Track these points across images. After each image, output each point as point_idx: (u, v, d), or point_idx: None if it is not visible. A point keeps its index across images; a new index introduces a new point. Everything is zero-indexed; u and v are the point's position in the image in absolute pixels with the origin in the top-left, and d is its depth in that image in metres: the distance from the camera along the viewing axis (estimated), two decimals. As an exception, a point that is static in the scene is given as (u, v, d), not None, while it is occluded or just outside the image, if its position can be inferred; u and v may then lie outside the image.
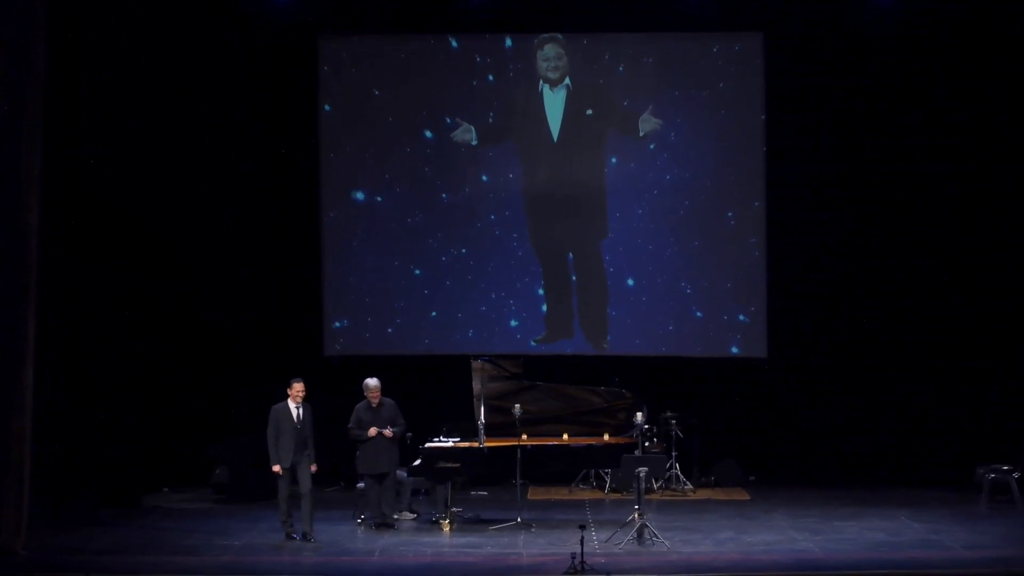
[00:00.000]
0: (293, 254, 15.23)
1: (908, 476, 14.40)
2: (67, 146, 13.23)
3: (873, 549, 11.24)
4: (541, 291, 15.08)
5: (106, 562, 10.79)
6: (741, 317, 14.85)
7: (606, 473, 14.15)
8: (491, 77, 15.02)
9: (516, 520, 12.26)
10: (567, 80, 15.01)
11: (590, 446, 12.55)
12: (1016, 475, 13.00)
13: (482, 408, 12.39)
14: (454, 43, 15.04)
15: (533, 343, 15.02)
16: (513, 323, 15.06)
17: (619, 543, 11.31)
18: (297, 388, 11.74)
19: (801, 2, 14.65)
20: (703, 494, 14.10)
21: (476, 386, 12.49)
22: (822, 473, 14.66)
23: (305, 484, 11.63)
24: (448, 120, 14.99)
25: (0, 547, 10.85)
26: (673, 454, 14.11)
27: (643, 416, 12.42)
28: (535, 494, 14.11)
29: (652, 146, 14.90)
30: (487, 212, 15.09)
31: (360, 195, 15.12)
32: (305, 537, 11.61)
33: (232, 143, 14.87)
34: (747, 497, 13.99)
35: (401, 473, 12.65)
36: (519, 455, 12.23)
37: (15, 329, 10.98)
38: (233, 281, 14.98)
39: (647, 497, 12.15)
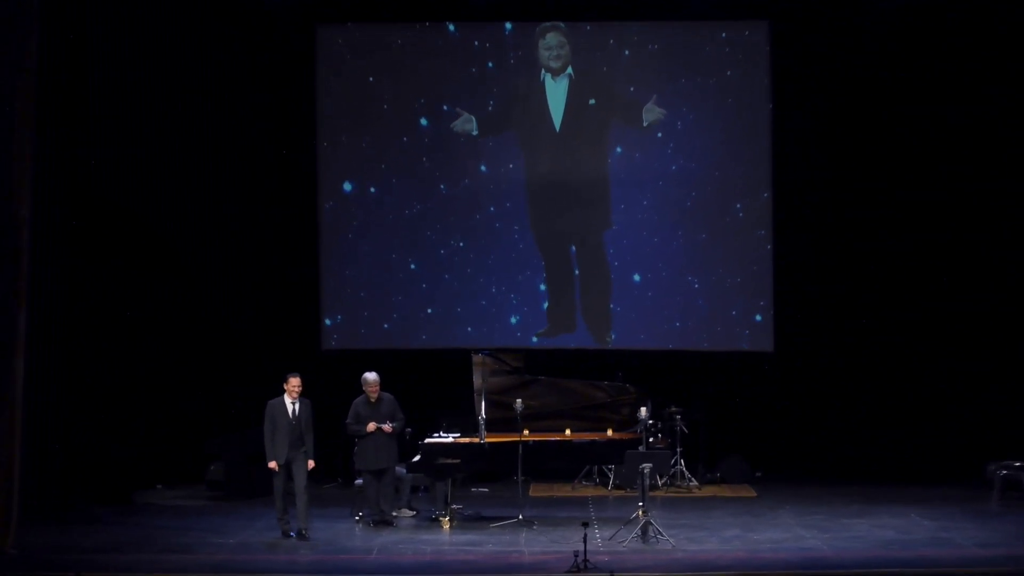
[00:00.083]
0: (290, 247, 15.20)
1: (918, 472, 14.37)
2: (69, 146, 13.22)
3: (883, 547, 11.20)
4: (543, 286, 15.02)
5: (98, 561, 10.74)
6: (748, 311, 14.79)
7: (609, 469, 14.11)
8: (491, 64, 14.95)
9: (518, 517, 12.22)
10: (569, 69, 14.96)
11: (593, 442, 12.51)
12: (1028, 471, 12.98)
13: (483, 403, 12.35)
14: (451, 27, 14.95)
15: (535, 337, 14.97)
16: (514, 318, 14.99)
17: (623, 541, 11.27)
18: (293, 383, 11.68)
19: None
20: (709, 491, 14.07)
21: (477, 380, 12.44)
22: (830, 469, 14.63)
23: (300, 481, 11.58)
24: (445, 108, 14.92)
25: (-10, 545, 10.81)
26: (678, 450, 14.07)
27: (647, 411, 12.38)
28: (537, 491, 14.08)
29: (660, 134, 14.83)
30: (487, 204, 15.04)
31: (357, 187, 15.06)
32: (301, 535, 11.56)
33: (229, 134, 14.84)
34: (754, 494, 13.94)
35: (400, 469, 12.61)
36: (521, 451, 12.17)
37: (5, 322, 10.95)
38: (229, 275, 14.95)
39: (651, 494, 12.10)
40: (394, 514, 12.37)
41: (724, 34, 14.81)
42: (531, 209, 15.03)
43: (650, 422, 12.73)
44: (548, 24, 14.93)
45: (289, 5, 14.77)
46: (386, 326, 15.04)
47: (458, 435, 12.51)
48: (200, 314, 14.78)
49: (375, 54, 14.94)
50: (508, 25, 14.98)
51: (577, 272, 15.05)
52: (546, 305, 15.06)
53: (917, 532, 11.82)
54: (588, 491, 14.12)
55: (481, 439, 12.24)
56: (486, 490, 14.05)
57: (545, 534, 11.76)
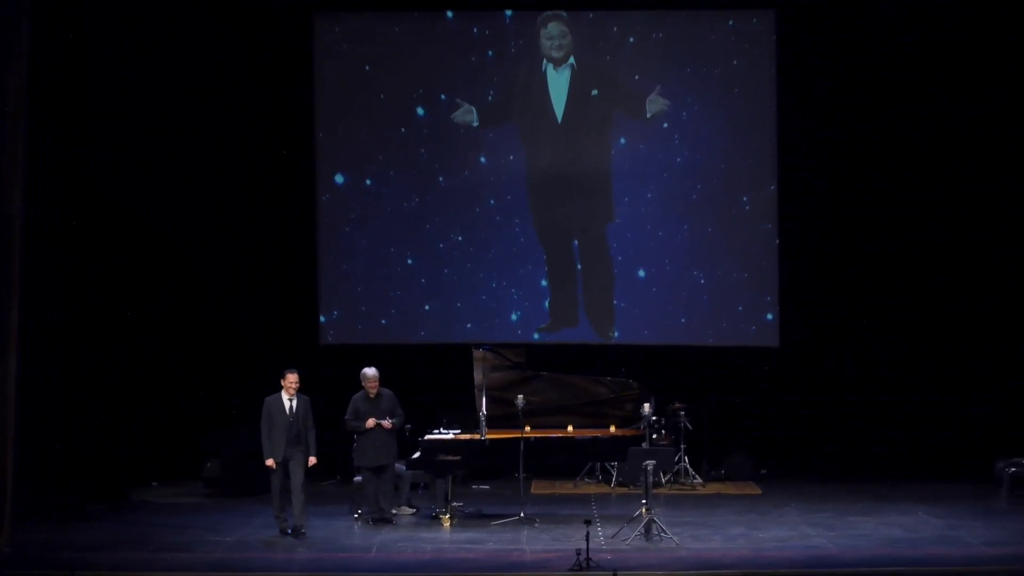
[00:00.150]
0: (287, 241, 15.19)
1: (926, 470, 14.38)
2: (70, 146, 13.26)
3: (889, 545, 11.20)
4: (545, 281, 14.98)
5: (92, 559, 10.75)
6: (755, 306, 14.76)
7: (612, 466, 14.12)
8: (491, 53, 14.92)
9: (519, 515, 12.23)
10: (571, 59, 14.94)
11: (596, 438, 12.52)
12: (1037, 468, 13.00)
13: (484, 399, 12.35)
14: (450, 15, 14.90)
15: (537, 332, 14.95)
16: (515, 314, 14.97)
17: (626, 539, 11.28)
18: (291, 379, 11.68)
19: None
20: (713, 488, 14.08)
21: (478, 376, 12.45)
22: (836, 467, 14.65)
23: (296, 479, 11.58)
24: (443, 97, 14.89)
25: (-18, 543, 10.82)
26: (682, 447, 14.07)
27: (651, 407, 12.38)
28: (539, 488, 14.10)
29: (665, 124, 14.79)
30: (487, 196, 15.01)
31: (354, 179, 15.02)
32: (296, 533, 11.55)
33: (225, 128, 14.83)
34: (759, 491, 13.96)
35: (400, 466, 12.61)
36: (522, 448, 12.18)
37: (-2, 317, 10.97)
38: (225, 270, 14.97)
39: (655, 491, 12.15)
40: (393, 512, 12.38)
41: (731, 22, 14.78)
42: (532, 202, 15.01)
43: (653, 418, 12.72)
44: (550, 13, 14.91)
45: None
46: (384, 322, 15.02)
47: (459, 431, 12.51)
48: (195, 308, 14.79)
49: (372, 43, 14.91)
50: (508, 13, 14.95)
51: (579, 267, 15.03)
52: (548, 300, 15.04)
53: (924, 530, 11.83)
54: (590, 488, 14.13)
55: (482, 435, 12.25)
56: (487, 487, 14.06)
57: (547, 532, 11.78)
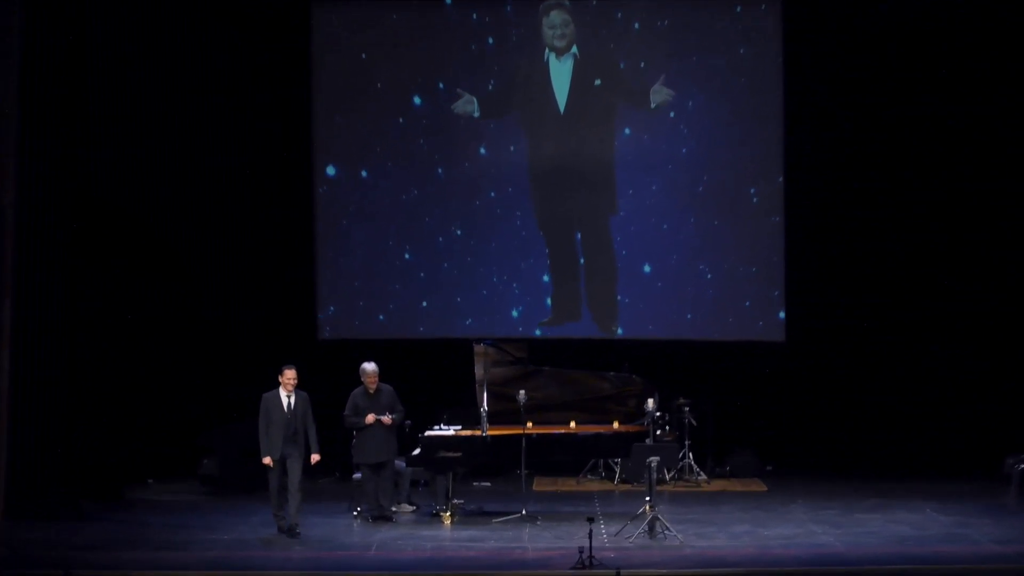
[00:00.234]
0: (284, 235, 15.20)
1: (934, 467, 14.42)
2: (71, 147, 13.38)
3: (897, 543, 11.25)
4: (547, 277, 14.99)
5: (88, 558, 10.77)
6: (762, 300, 14.78)
7: (615, 463, 14.17)
8: (491, 41, 14.93)
9: (521, 513, 12.29)
10: (574, 49, 14.96)
11: (599, 435, 12.57)
12: (1048, 466, 13.05)
13: (485, 394, 12.40)
14: (448, 1, 14.90)
15: (538, 327, 14.98)
16: (516, 309, 14.99)
17: (629, 537, 11.33)
18: (288, 375, 11.69)
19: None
20: (718, 485, 14.13)
21: (479, 371, 12.50)
22: (843, 463, 14.69)
23: (293, 478, 11.58)
24: (441, 86, 14.89)
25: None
26: (686, 443, 14.14)
27: (655, 403, 12.43)
28: (541, 485, 14.16)
29: (672, 114, 14.79)
30: (487, 188, 15.03)
31: (350, 171, 15.01)
32: (291, 532, 11.60)
33: (223, 121, 14.88)
34: (764, 488, 14.02)
35: (400, 463, 12.68)
36: (524, 444, 12.25)
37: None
38: (221, 264, 15.00)
39: (659, 488, 12.20)
40: (393, 509, 12.43)
41: (738, 8, 14.76)
42: (534, 194, 15.03)
43: (657, 414, 12.79)
44: (552, 1, 14.92)
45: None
46: (381, 318, 15.01)
47: (459, 428, 12.56)
48: (191, 304, 14.83)
49: (370, 31, 14.87)
50: (509, 1, 14.96)
51: (582, 260, 15.06)
52: (550, 295, 15.06)
53: (933, 528, 11.88)
54: (593, 485, 14.20)
55: (483, 432, 12.30)
56: (488, 485, 14.11)
57: (549, 530, 11.83)
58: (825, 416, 14.86)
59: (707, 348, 14.88)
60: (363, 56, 14.93)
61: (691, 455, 14.19)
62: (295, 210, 15.10)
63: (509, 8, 14.98)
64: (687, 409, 14.17)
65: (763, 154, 14.80)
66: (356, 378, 12.33)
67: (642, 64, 14.86)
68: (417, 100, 14.91)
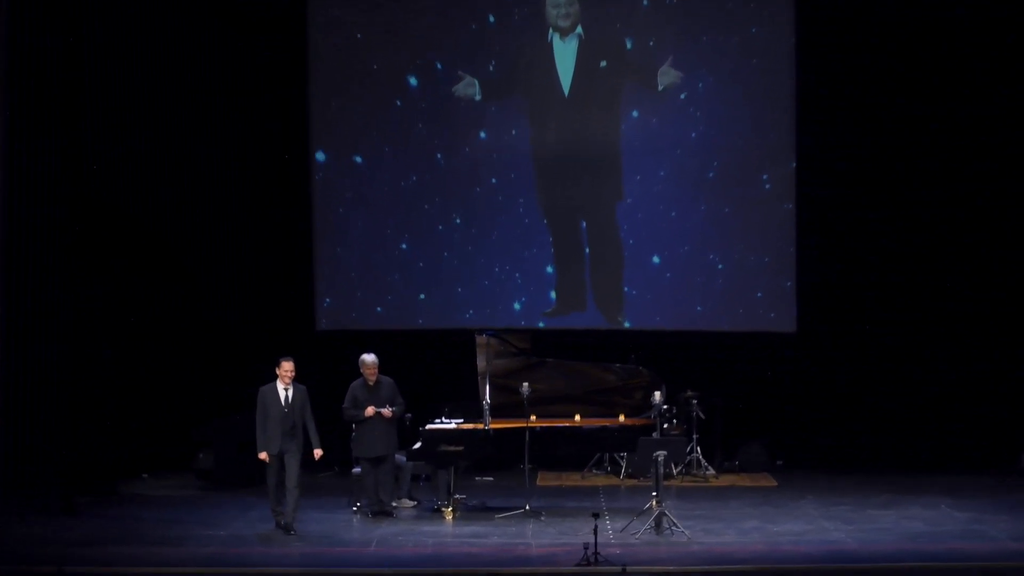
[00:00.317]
0: (280, 225, 15.20)
1: (949, 461, 14.46)
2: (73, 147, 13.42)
3: (911, 540, 11.29)
4: (551, 268, 14.93)
5: (81, 554, 10.83)
6: (774, 290, 14.73)
7: (621, 457, 14.21)
8: (492, 19, 14.86)
9: (524, 508, 12.33)
10: (579, 29, 14.92)
11: (604, 428, 12.60)
12: (1065, 460, 13.10)
13: (487, 387, 12.43)
14: None
15: (542, 318, 14.96)
16: (518, 301, 14.97)
17: (636, 533, 11.37)
18: (286, 367, 11.70)
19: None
20: (726, 480, 14.18)
21: (481, 363, 12.53)
22: (855, 458, 14.73)
23: (291, 474, 11.58)
24: (439, 66, 14.81)
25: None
26: (694, 437, 14.16)
27: (662, 396, 12.46)
28: (545, 480, 14.19)
29: (683, 95, 14.71)
30: (488, 175, 14.96)
31: (346, 157, 14.94)
32: (287, 529, 11.62)
33: (220, 114, 14.91)
34: (774, 483, 14.06)
35: (400, 457, 12.72)
36: (527, 438, 12.27)
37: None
38: (217, 255, 15.03)
39: (666, 483, 12.18)
40: (394, 504, 12.47)
41: (750, -13, 14.72)
42: (537, 180, 14.96)
43: (664, 407, 12.82)
44: (556, -20, 14.92)
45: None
46: (379, 309, 14.97)
47: (461, 421, 12.60)
48: (185, 296, 14.87)
49: (367, 11, 14.75)
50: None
51: (587, 249, 15.01)
52: (554, 286, 14.97)
53: (947, 524, 11.91)
54: (599, 480, 14.24)
55: (486, 425, 12.32)
56: (491, 479, 14.14)
57: (553, 525, 11.87)
58: (837, 409, 14.88)
59: (716, 339, 14.87)
60: (358, 36, 14.85)
61: (699, 449, 14.22)
62: (292, 199, 15.09)
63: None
64: (695, 402, 14.19)
65: (775, 138, 14.74)
66: (355, 370, 12.36)
67: (651, 43, 14.73)
68: (413, 81, 14.81)
